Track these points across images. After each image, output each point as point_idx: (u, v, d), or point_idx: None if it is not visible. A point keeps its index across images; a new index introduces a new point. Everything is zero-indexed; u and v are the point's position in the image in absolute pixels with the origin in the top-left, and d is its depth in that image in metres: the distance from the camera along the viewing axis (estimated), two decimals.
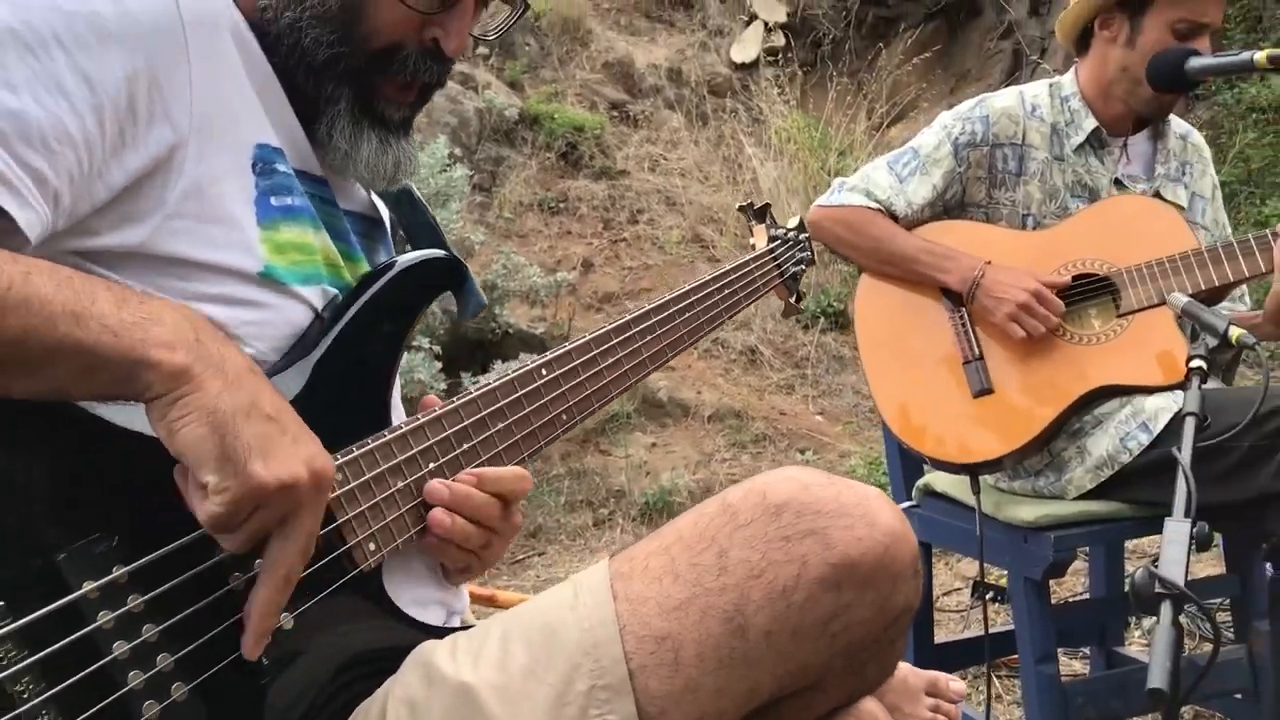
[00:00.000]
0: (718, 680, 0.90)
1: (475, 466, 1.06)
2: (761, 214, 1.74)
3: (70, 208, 0.88)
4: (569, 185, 6.17)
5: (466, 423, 1.06)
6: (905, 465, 2.46)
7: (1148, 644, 2.97)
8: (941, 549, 3.42)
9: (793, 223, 1.78)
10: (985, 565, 2.28)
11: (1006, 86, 7.39)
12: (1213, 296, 2.10)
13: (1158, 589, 1.34)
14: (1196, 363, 1.66)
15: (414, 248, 1.18)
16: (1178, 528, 1.43)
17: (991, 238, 2.24)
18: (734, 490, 0.96)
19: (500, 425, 1.08)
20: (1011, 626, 2.36)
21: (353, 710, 0.96)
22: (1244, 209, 6.11)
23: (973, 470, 2.12)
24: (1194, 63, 2.01)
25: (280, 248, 0.99)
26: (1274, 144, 6.16)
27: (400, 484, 1.00)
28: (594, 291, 5.56)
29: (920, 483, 2.40)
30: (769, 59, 7.47)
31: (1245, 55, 1.88)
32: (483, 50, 6.86)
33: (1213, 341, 1.70)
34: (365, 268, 1.12)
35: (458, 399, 1.07)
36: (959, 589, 3.45)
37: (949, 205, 2.29)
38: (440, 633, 1.04)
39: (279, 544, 0.85)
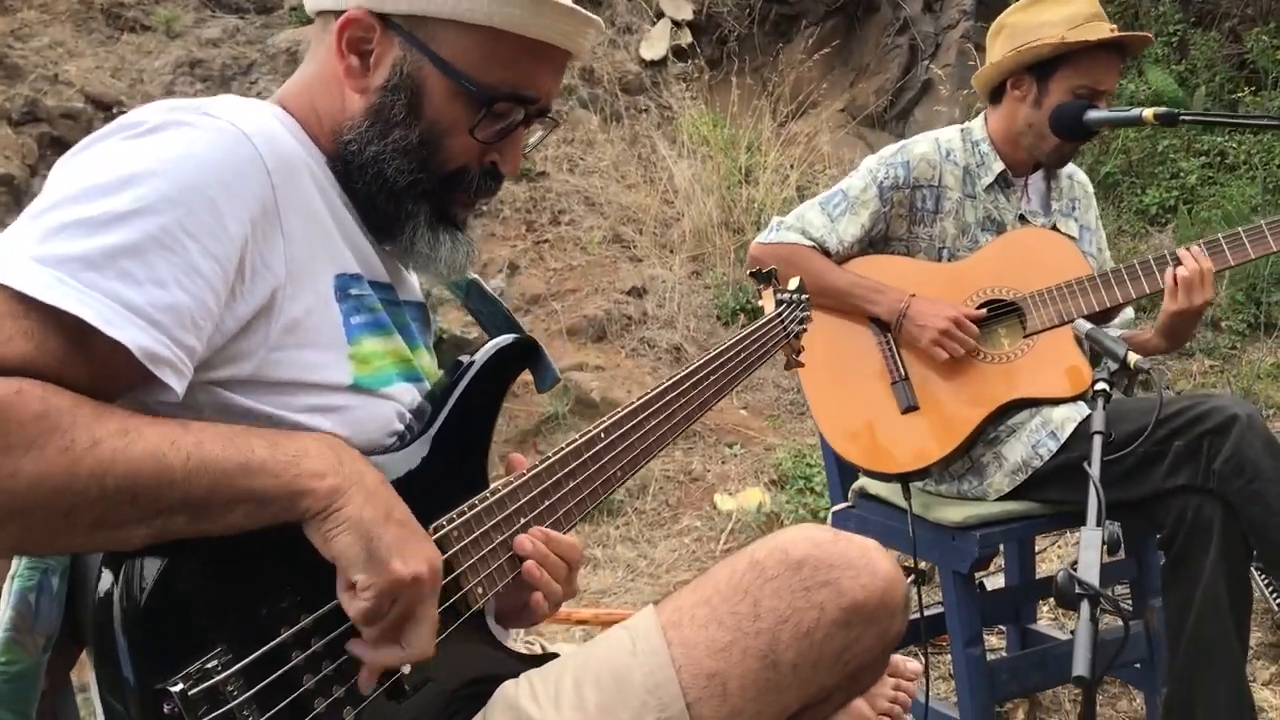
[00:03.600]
0: (757, 705, 1.15)
1: (551, 521, 1.28)
2: (768, 278, 1.96)
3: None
4: None
5: (547, 484, 1.28)
6: (841, 470, 2.72)
7: (1054, 618, 3.31)
8: None
9: (793, 285, 2.00)
10: (911, 560, 2.57)
11: (904, 80, 7.60)
12: (1105, 315, 2.40)
13: (1078, 590, 1.61)
14: (1100, 385, 1.93)
15: (487, 332, 1.39)
16: (1092, 535, 1.69)
17: (911, 269, 2.51)
18: (759, 549, 1.20)
19: (571, 484, 1.31)
20: (935, 610, 2.65)
21: None
22: (1126, 198, 6.55)
23: (903, 479, 2.40)
24: (1091, 115, 2.31)
25: (364, 359, 1.17)
26: (1152, 136, 6.60)
27: (500, 538, 1.21)
28: (521, 294, 5.74)
29: (855, 486, 2.67)
30: (676, 57, 7.70)
31: (1135, 111, 2.18)
32: None
33: (1114, 365, 1.99)
34: (424, 351, 1.32)
35: (539, 463, 1.28)
36: None
37: (874, 240, 2.55)
38: (524, 661, 1.27)
39: (414, 631, 1.06)
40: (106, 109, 6.14)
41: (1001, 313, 2.45)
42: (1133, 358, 1.94)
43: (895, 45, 8.18)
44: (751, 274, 2.01)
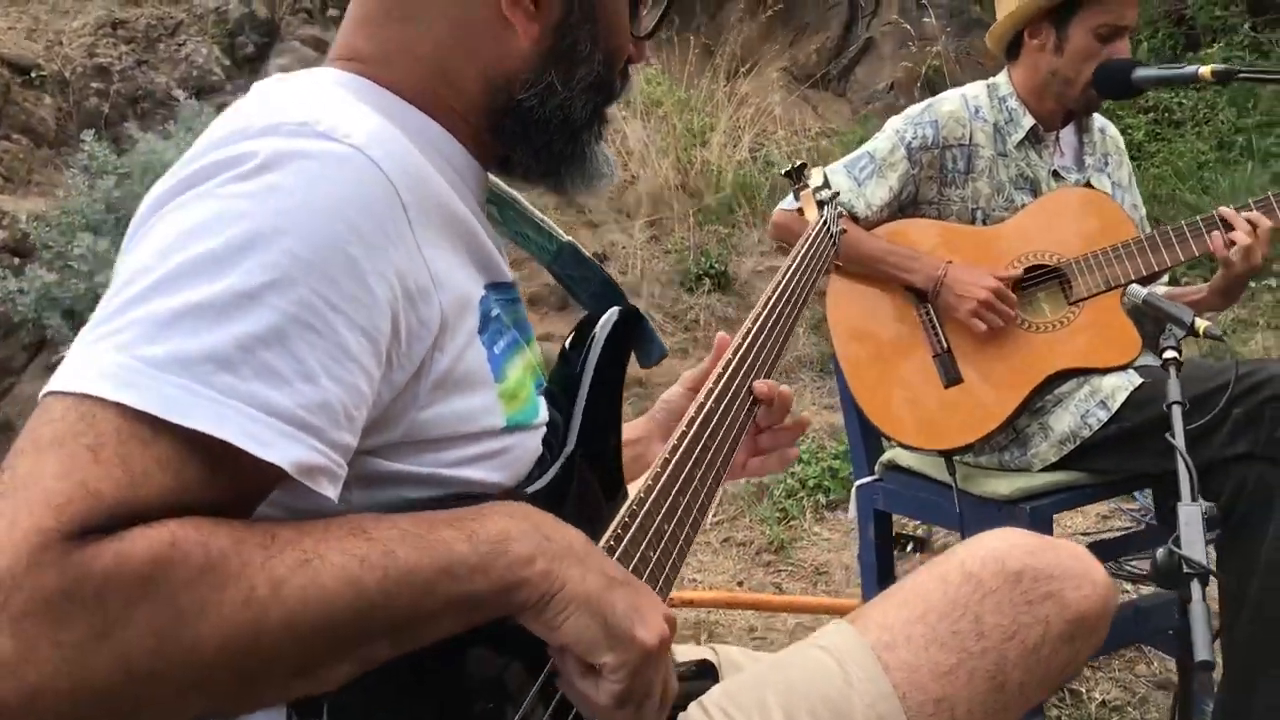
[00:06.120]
0: None
1: (696, 512, 1.14)
2: (799, 174, 1.81)
3: None
4: None
5: (680, 479, 1.13)
6: (866, 440, 2.64)
7: None
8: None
9: (817, 179, 1.84)
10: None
11: (845, 39, 7.50)
12: (1149, 278, 2.34)
13: (1185, 569, 1.54)
14: (1170, 354, 1.85)
15: (578, 301, 1.24)
16: (1191, 511, 1.62)
17: (946, 234, 2.42)
18: (969, 558, 1.10)
19: (698, 474, 1.17)
20: None
21: None
22: None
23: (949, 454, 2.32)
24: (1140, 73, 2.23)
25: (512, 393, 1.00)
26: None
27: (655, 556, 1.06)
28: None
29: (884, 458, 2.59)
30: None
31: (1190, 69, 2.11)
32: (334, 12, 6.68)
33: (1180, 332, 1.92)
34: (535, 342, 1.15)
35: (662, 467, 1.12)
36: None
37: (903, 204, 2.46)
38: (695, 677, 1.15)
39: (659, 682, 0.92)
40: (24, 73, 5.80)
41: (1043, 279, 2.38)
42: (1201, 324, 1.88)
43: (836, 3, 8.10)
44: (785, 173, 1.88)
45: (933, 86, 6.82)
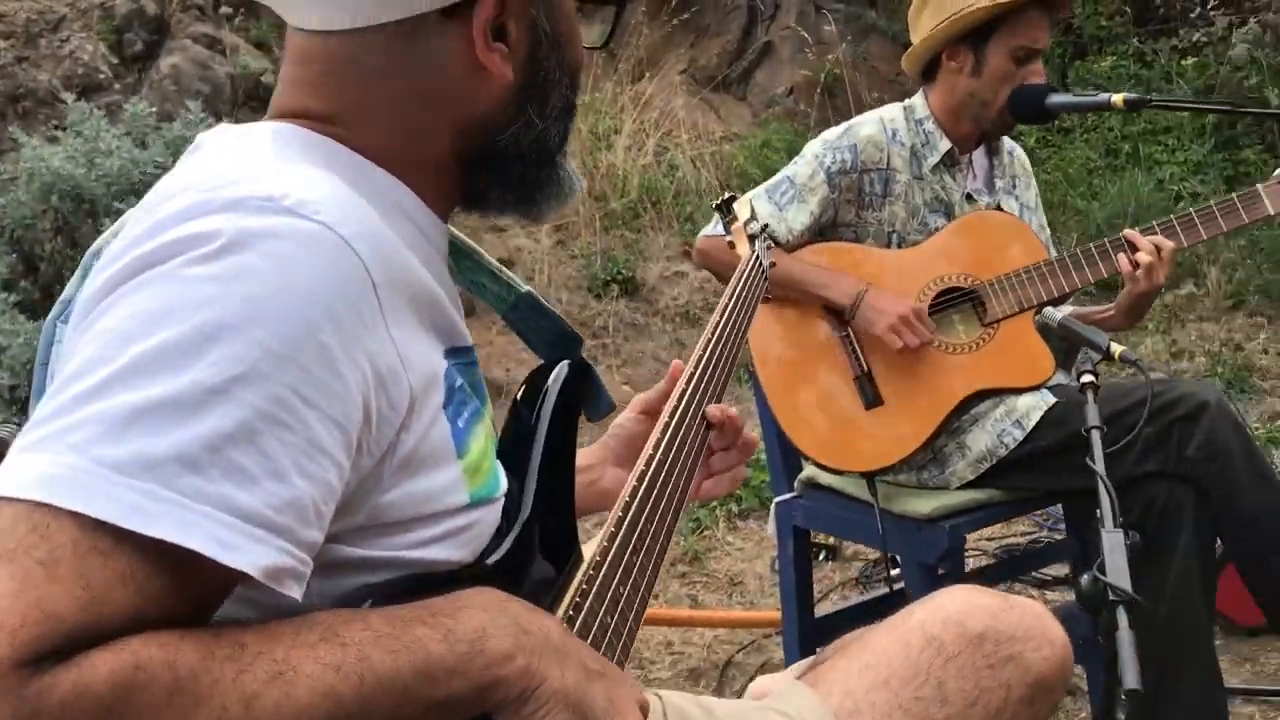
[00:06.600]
0: None
1: (651, 569, 1.13)
2: (729, 207, 1.81)
3: None
4: None
5: (634, 536, 1.12)
6: (784, 456, 2.66)
7: None
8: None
9: (745, 212, 1.85)
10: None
11: (745, 42, 7.55)
12: (1062, 299, 2.41)
13: (1111, 596, 1.57)
14: (1088, 378, 1.90)
15: (535, 351, 1.21)
16: (1113, 538, 1.66)
17: (863, 256, 2.45)
18: (929, 620, 1.11)
19: (653, 527, 1.16)
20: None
21: None
22: None
23: (870, 475, 2.35)
24: (1053, 100, 2.29)
25: (475, 469, 0.97)
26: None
27: (611, 622, 1.05)
28: None
29: (803, 476, 2.61)
30: None
31: (1103, 97, 2.17)
32: (226, 10, 6.48)
33: (1096, 356, 1.97)
34: (488, 401, 1.10)
35: (613, 529, 1.10)
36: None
37: (823, 226, 2.48)
38: None
39: None
40: None
41: (957, 301, 2.42)
42: (1116, 348, 1.93)
43: (735, 6, 8.16)
44: (715, 206, 1.90)
45: (831, 91, 6.94)
